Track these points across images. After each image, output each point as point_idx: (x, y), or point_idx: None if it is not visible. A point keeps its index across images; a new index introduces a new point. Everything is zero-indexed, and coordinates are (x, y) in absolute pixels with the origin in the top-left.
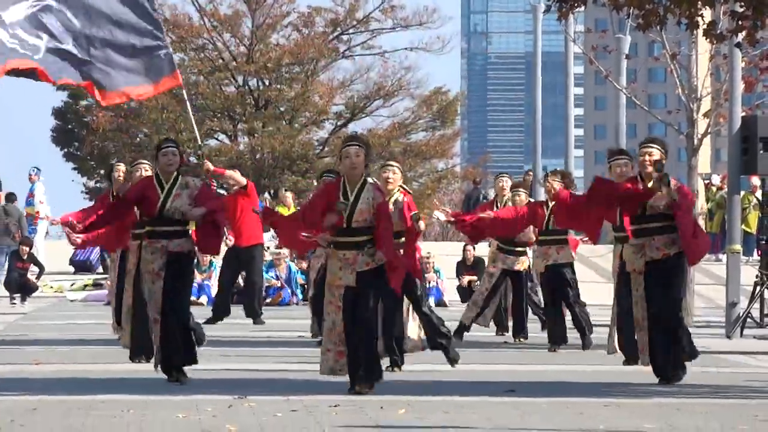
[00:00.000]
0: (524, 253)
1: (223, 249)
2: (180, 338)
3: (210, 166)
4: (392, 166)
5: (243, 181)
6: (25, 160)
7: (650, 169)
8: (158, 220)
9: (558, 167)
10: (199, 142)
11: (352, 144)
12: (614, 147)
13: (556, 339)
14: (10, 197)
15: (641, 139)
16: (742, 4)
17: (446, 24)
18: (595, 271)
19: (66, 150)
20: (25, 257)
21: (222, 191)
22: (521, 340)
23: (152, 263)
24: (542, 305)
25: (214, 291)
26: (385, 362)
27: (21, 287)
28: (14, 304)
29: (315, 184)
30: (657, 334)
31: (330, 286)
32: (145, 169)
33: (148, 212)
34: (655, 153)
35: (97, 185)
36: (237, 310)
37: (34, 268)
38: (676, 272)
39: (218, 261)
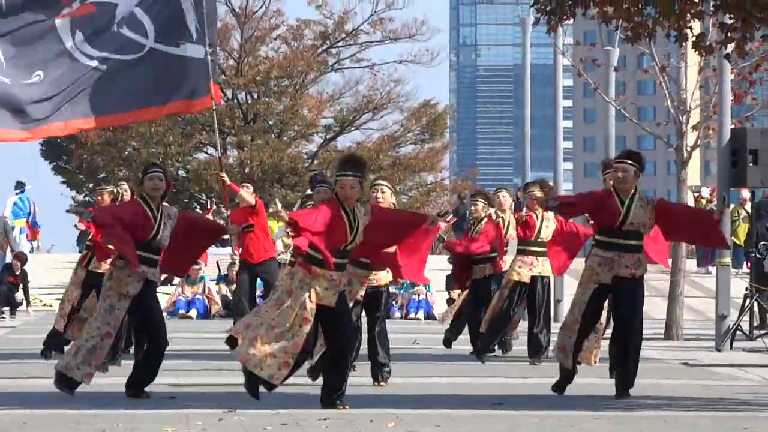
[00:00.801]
0: (484, 261)
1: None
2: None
3: (226, 178)
4: (381, 185)
5: (251, 201)
6: (12, 173)
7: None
8: (146, 247)
9: (548, 179)
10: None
11: (348, 175)
12: (607, 159)
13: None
14: None
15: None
16: (731, 16)
17: (435, 36)
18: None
19: (55, 164)
20: (18, 272)
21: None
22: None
23: (128, 286)
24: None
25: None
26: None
27: (9, 301)
28: (3, 318)
29: (309, 193)
30: (627, 351)
31: (309, 301)
32: (125, 190)
33: (139, 238)
34: (631, 169)
35: (86, 198)
36: (227, 324)
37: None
38: (642, 293)
39: (208, 275)
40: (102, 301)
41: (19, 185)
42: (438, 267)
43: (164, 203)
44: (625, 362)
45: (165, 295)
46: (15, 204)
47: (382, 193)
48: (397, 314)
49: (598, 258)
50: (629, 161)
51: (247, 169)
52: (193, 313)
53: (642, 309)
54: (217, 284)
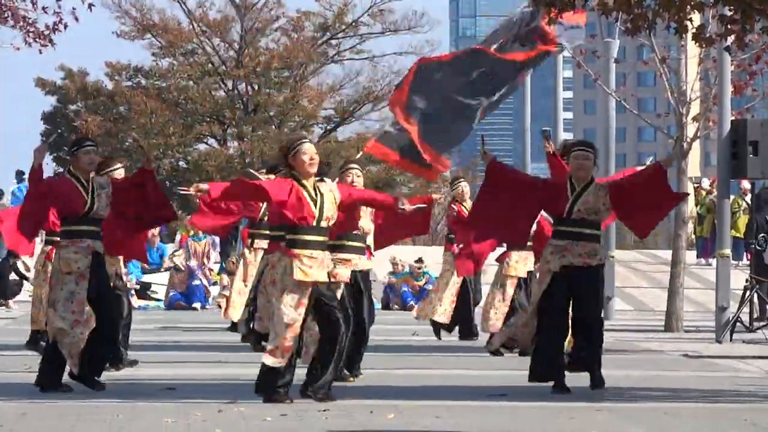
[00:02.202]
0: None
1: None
2: (105, 347)
3: None
4: (355, 168)
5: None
6: (13, 164)
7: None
8: (84, 220)
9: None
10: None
11: (305, 141)
12: (567, 142)
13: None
14: None
15: (631, 143)
16: (731, 8)
17: (435, 28)
18: None
19: (56, 154)
20: (11, 264)
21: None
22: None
23: (77, 263)
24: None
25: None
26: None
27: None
28: (9, 309)
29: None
30: (591, 342)
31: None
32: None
33: (74, 212)
34: (591, 158)
35: None
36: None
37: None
38: (600, 282)
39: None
40: (56, 291)
41: (19, 175)
42: (440, 257)
43: (95, 175)
44: (591, 357)
45: (162, 286)
46: (13, 192)
47: (357, 176)
48: (396, 306)
49: (551, 247)
50: (590, 150)
51: (247, 160)
52: (197, 304)
53: (601, 299)
54: (218, 275)
